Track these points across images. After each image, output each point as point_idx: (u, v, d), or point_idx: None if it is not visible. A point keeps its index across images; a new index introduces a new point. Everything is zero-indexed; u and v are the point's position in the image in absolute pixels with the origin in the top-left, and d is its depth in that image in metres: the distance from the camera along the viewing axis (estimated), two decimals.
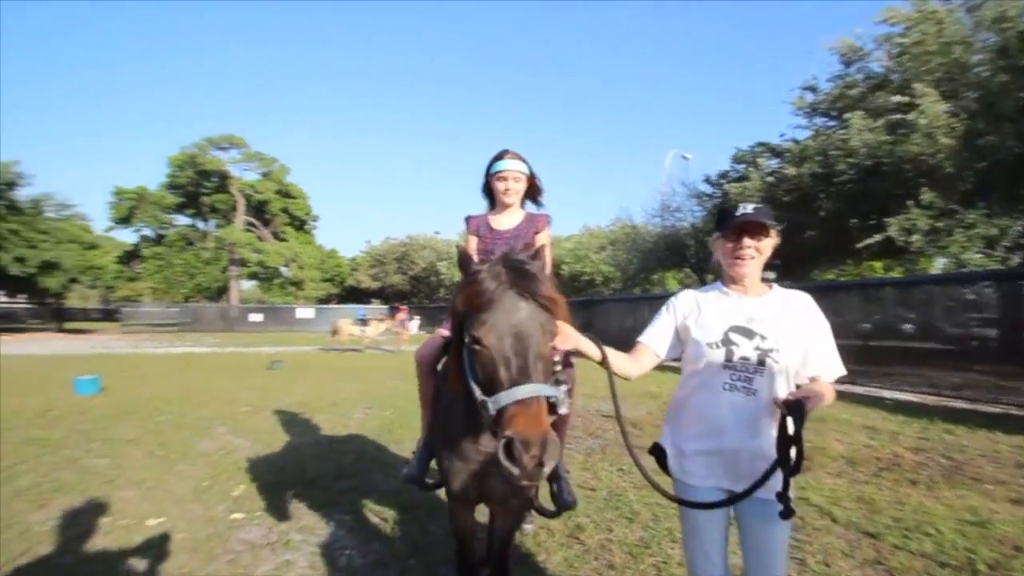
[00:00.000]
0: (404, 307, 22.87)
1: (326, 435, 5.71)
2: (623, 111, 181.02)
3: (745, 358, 1.64)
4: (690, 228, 19.92)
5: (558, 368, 1.61)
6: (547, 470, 1.27)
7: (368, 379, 10.15)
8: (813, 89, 14.97)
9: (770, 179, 15.24)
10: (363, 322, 18.61)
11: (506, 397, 1.33)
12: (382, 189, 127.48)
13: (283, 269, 41.80)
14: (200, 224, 42.67)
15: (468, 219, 2.62)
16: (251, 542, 3.12)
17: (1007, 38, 10.55)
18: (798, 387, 1.64)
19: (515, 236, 2.50)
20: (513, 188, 2.47)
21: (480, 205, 2.72)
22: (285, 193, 42.61)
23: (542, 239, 2.49)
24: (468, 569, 2.25)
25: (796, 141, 15.34)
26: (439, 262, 37.64)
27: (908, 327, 9.83)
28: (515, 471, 1.25)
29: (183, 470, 4.45)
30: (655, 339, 1.81)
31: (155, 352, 17.01)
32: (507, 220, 2.55)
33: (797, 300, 1.74)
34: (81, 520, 3.38)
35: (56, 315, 32.29)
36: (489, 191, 2.59)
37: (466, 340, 1.53)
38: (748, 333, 1.66)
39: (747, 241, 1.68)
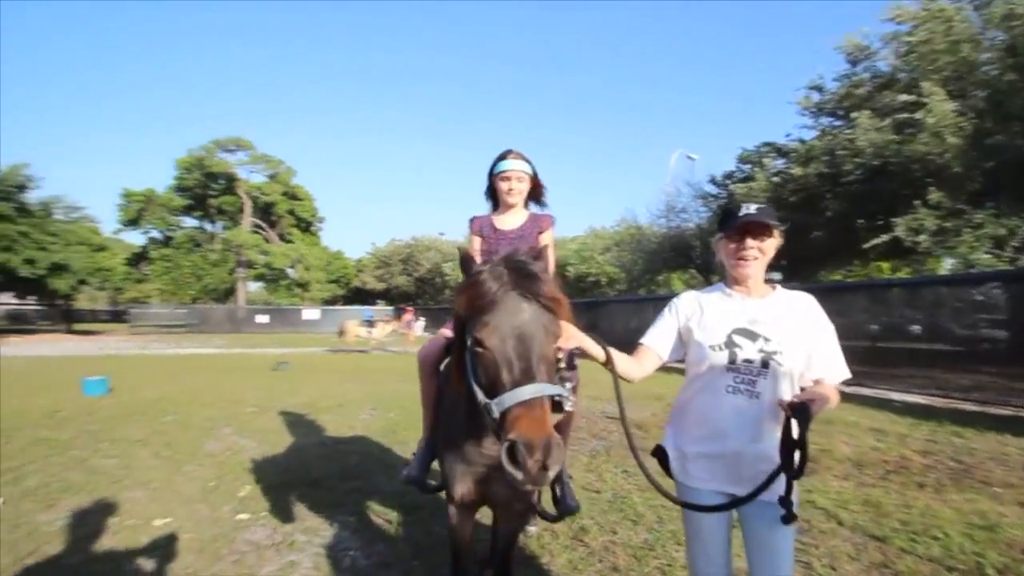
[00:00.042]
0: (410, 308, 22.96)
1: (331, 436, 5.73)
2: (628, 111, 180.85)
3: (748, 360, 1.62)
4: (695, 229, 19.82)
5: (562, 366, 1.58)
6: (551, 474, 1.24)
7: (373, 380, 10.17)
8: (819, 88, 14.88)
9: (776, 179, 15.15)
10: (370, 323, 18.73)
11: (509, 399, 1.31)
12: (387, 191, 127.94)
13: (289, 271, 42.05)
14: (207, 226, 43.01)
15: (472, 220, 2.62)
16: (256, 543, 3.14)
17: (1016, 36, 10.46)
18: (802, 390, 1.63)
19: (519, 236, 2.50)
20: (517, 188, 2.47)
21: (484, 207, 2.73)
22: (291, 195, 42.86)
23: (546, 239, 2.49)
24: None
25: (802, 141, 15.25)
26: (444, 263, 37.70)
27: (916, 328, 9.75)
28: (518, 475, 1.23)
29: (190, 471, 4.48)
30: (657, 341, 1.79)
31: (163, 353, 17.13)
32: (511, 220, 2.55)
33: (801, 301, 1.72)
34: (89, 520, 3.41)
35: (65, 316, 32.57)
36: (492, 193, 2.59)
37: (468, 342, 1.51)
38: (751, 335, 1.65)
39: (750, 242, 1.66)
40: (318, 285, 42.03)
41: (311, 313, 34.82)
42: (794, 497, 1.53)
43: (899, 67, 12.83)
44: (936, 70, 11.38)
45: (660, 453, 1.86)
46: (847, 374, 1.68)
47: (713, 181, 19.43)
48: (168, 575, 2.78)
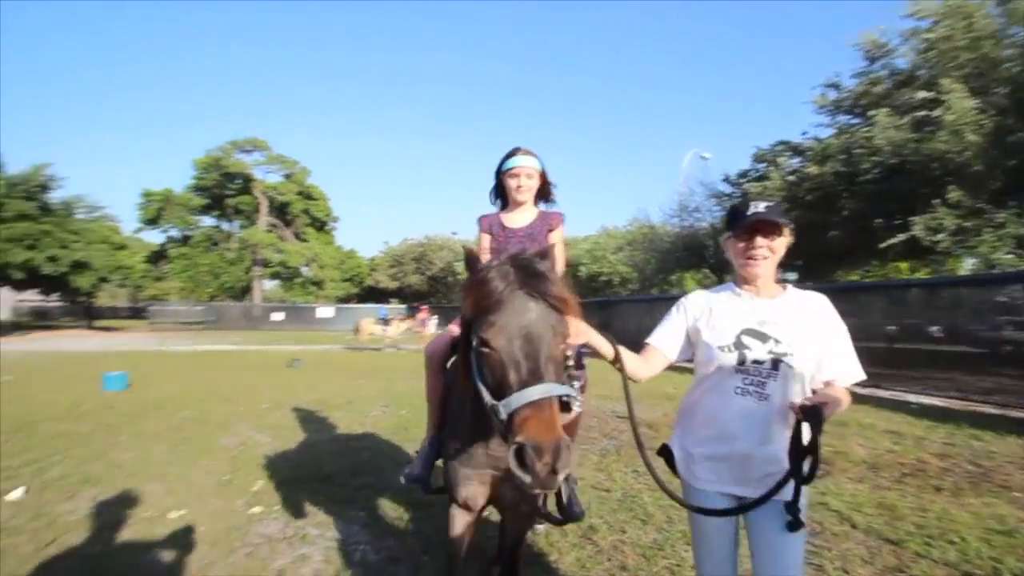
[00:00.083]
0: (425, 307, 23.07)
1: (343, 433, 5.79)
2: (641, 111, 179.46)
3: (758, 362, 1.59)
4: (709, 228, 19.63)
5: (570, 364, 1.55)
6: (561, 477, 1.21)
7: (386, 378, 10.24)
8: (836, 86, 14.65)
9: (791, 178, 14.94)
10: (385, 321, 18.91)
11: (517, 400, 1.27)
12: (400, 190, 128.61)
13: (304, 269, 42.48)
14: (224, 225, 43.59)
15: (481, 218, 2.60)
16: (269, 536, 3.19)
17: None
18: (814, 392, 1.60)
19: (528, 234, 2.46)
20: (526, 184, 2.45)
21: (493, 206, 2.72)
22: (306, 194, 43.30)
23: (556, 237, 2.47)
24: None
25: (818, 139, 15.03)
26: (456, 262, 37.78)
27: (935, 330, 9.56)
28: (527, 479, 1.20)
29: (205, 465, 4.56)
30: (665, 341, 1.77)
31: (180, 350, 17.41)
32: (520, 218, 2.53)
33: (812, 301, 1.69)
34: (107, 511, 3.49)
35: (87, 313, 33.26)
36: (501, 191, 2.57)
37: (474, 342, 1.47)
38: (761, 336, 1.62)
39: (760, 240, 1.63)
40: (332, 283, 42.43)
41: (325, 311, 35.18)
42: (803, 503, 1.51)
43: (918, 64, 12.59)
44: (957, 67, 11.14)
45: (666, 453, 1.84)
46: (862, 375, 1.63)
47: (727, 180, 19.24)
48: (183, 566, 2.83)
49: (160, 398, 7.67)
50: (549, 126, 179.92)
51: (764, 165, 16.97)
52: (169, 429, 5.81)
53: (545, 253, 1.56)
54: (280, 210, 42.36)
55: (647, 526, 3.32)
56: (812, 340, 1.60)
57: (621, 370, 1.65)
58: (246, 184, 41.09)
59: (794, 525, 1.51)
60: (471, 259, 1.55)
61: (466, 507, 1.95)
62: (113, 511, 3.49)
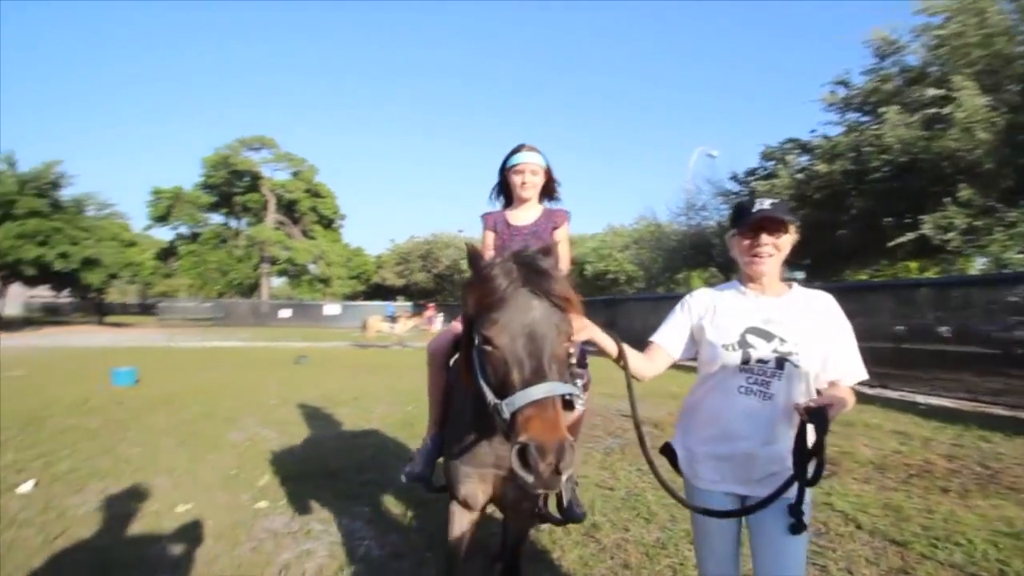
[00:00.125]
0: (431, 305, 23.11)
1: (348, 429, 5.82)
2: (648, 108, 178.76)
3: (762, 361, 1.58)
4: (716, 227, 19.49)
5: (573, 362, 1.52)
6: (564, 477, 1.19)
7: (392, 375, 10.28)
8: (845, 83, 14.50)
9: (800, 176, 14.81)
10: (392, 319, 18.97)
11: (520, 399, 1.26)
12: (407, 188, 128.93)
13: (311, 266, 42.75)
14: (233, 222, 43.96)
15: (485, 216, 2.57)
16: (274, 530, 3.22)
17: None
18: (819, 392, 1.59)
19: (533, 232, 2.44)
20: (531, 181, 2.43)
21: (498, 204, 2.71)
22: (314, 192, 43.55)
23: (561, 234, 2.46)
24: None
25: (827, 137, 14.88)
26: (462, 260, 37.84)
27: (944, 330, 9.47)
28: (530, 479, 1.18)
29: (212, 459, 4.60)
30: (668, 339, 1.76)
31: (189, 346, 17.56)
32: (525, 215, 2.51)
33: (818, 300, 1.67)
34: (115, 505, 3.53)
35: (97, 309, 33.68)
36: (504, 189, 2.56)
37: (476, 340, 1.45)
38: (766, 335, 1.60)
39: (765, 238, 1.61)
40: (339, 281, 42.67)
41: (332, 308, 35.39)
42: (806, 504, 1.50)
43: (929, 61, 12.44)
44: (968, 64, 11.00)
45: (669, 452, 1.83)
46: (864, 375, 1.62)
47: (735, 178, 19.09)
48: (189, 560, 2.86)
49: (168, 394, 7.74)
50: (556, 123, 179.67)
51: (772, 163, 16.83)
52: (177, 424, 5.86)
53: (548, 250, 1.54)
54: (288, 208, 42.62)
55: (650, 524, 3.32)
56: (818, 339, 1.59)
57: (625, 368, 1.64)
58: (254, 182, 41.38)
59: (797, 528, 1.50)
60: (474, 256, 1.53)
61: (466, 505, 1.94)
62: (121, 505, 3.53)
